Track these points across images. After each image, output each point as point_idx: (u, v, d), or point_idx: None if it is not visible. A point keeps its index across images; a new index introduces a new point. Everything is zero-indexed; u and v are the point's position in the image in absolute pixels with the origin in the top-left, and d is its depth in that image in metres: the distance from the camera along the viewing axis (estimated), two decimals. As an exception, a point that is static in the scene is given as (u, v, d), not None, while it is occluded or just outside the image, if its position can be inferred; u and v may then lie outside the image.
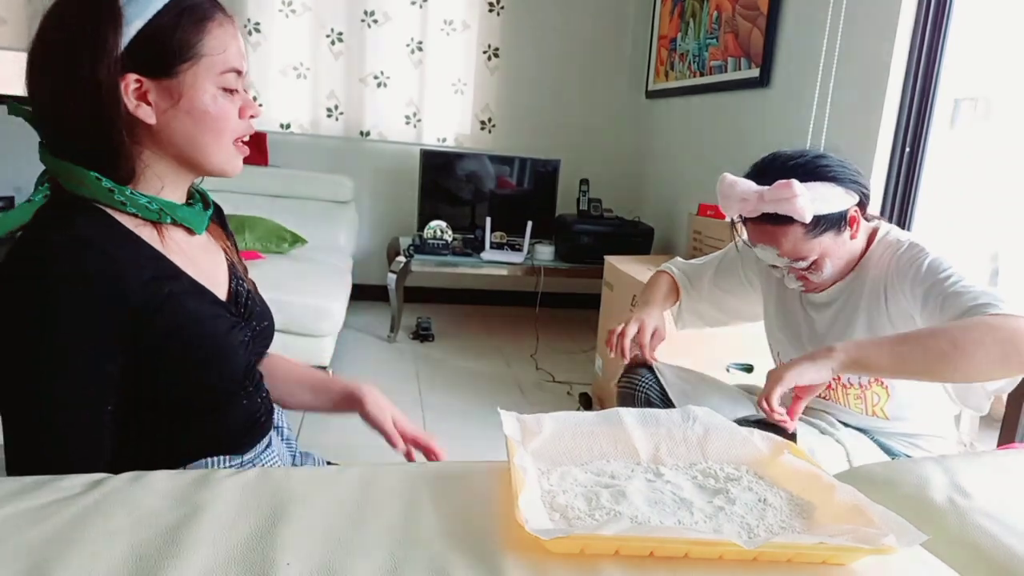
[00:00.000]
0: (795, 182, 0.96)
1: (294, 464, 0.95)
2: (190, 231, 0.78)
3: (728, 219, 1.12)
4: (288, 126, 3.48)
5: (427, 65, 3.52)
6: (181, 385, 0.73)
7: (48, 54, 0.68)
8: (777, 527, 0.60)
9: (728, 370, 1.91)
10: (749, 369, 1.91)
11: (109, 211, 0.70)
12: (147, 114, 0.70)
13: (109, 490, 0.59)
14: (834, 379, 1.08)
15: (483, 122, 3.65)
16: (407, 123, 3.57)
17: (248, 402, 0.82)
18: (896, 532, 0.54)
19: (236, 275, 0.85)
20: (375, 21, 3.44)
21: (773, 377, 0.92)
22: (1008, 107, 1.83)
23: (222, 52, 0.72)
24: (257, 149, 3.28)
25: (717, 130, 2.90)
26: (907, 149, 1.87)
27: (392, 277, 3.06)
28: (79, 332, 0.65)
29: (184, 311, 0.72)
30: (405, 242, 3.25)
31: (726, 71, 2.76)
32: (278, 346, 2.51)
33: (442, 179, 3.42)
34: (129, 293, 0.66)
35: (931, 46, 1.81)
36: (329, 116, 3.51)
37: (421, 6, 3.46)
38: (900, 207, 1.90)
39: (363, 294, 3.48)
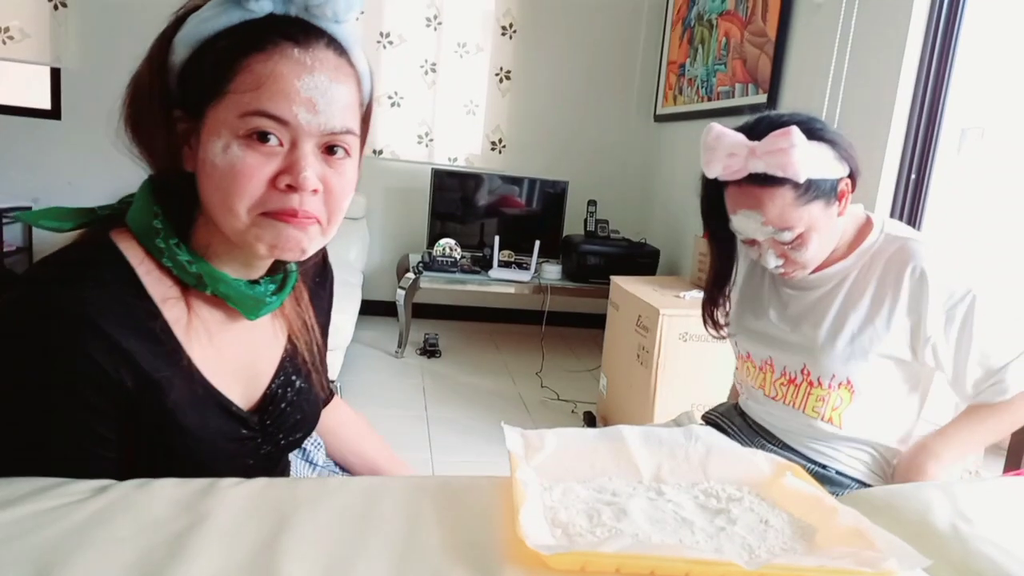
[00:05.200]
0: (795, 129, 0.89)
1: None
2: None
3: (701, 189, 1.06)
4: (301, 143, 3.52)
5: (440, 86, 3.57)
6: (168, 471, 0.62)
7: (133, 84, 0.62)
8: (778, 549, 0.60)
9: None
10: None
11: (143, 267, 0.61)
12: (188, 159, 0.60)
13: (115, 496, 0.59)
14: (802, 374, 1.05)
15: (494, 143, 3.69)
16: (419, 142, 3.61)
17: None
18: (898, 556, 0.54)
19: (288, 371, 0.72)
20: (390, 42, 3.50)
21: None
22: (1015, 137, 1.84)
23: (252, 89, 0.56)
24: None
25: (726, 154, 2.91)
26: (913, 176, 1.88)
27: (401, 293, 3.08)
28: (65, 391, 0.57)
29: (180, 426, 0.61)
30: (415, 259, 3.28)
31: (734, 96, 2.79)
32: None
33: (452, 198, 3.44)
34: (121, 378, 0.57)
35: (938, 74, 1.82)
36: (342, 134, 3.56)
37: (436, 29, 3.52)
38: (908, 233, 1.90)
39: (372, 309, 3.50)
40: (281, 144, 0.58)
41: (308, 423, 0.76)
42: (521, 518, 0.55)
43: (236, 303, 0.64)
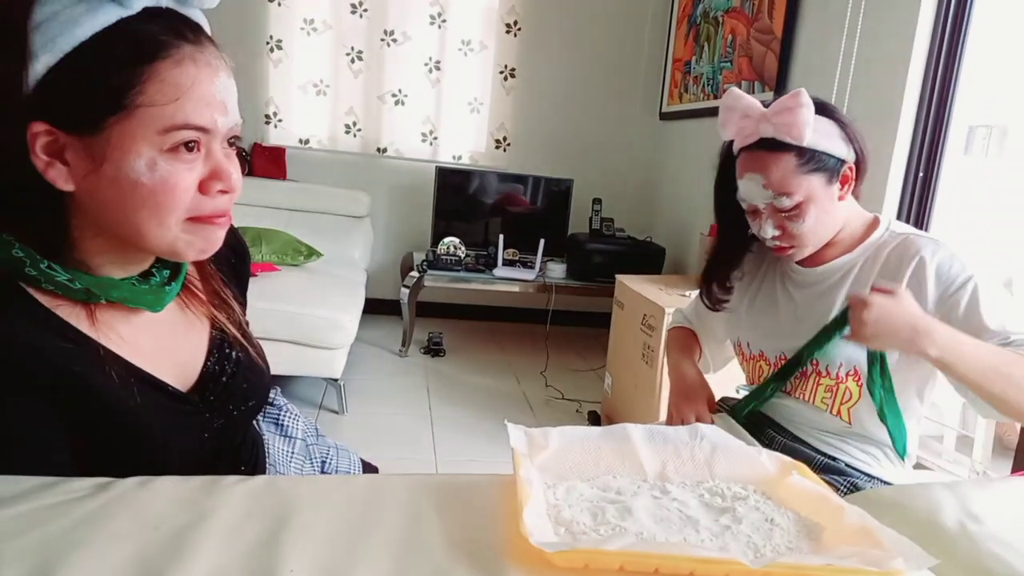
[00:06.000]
0: (804, 91, 0.94)
1: (324, 463, 0.93)
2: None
3: (719, 155, 1.09)
4: (307, 141, 3.53)
5: (444, 84, 3.56)
6: (120, 471, 0.60)
7: None
8: (784, 548, 0.59)
9: (737, 391, 1.90)
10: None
11: (20, 284, 0.57)
12: (60, 177, 0.54)
13: (116, 494, 0.59)
14: (811, 365, 1.05)
15: (498, 141, 3.69)
16: (423, 140, 3.61)
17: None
18: (905, 556, 0.53)
19: (221, 349, 0.71)
20: (394, 40, 3.50)
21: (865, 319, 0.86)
22: (1023, 135, 1.83)
23: (171, 101, 0.54)
24: (275, 164, 3.33)
25: (731, 152, 2.90)
26: (921, 174, 1.87)
27: (405, 292, 3.08)
28: None
29: (113, 407, 0.59)
30: (419, 257, 3.28)
31: (741, 94, 2.77)
32: (293, 358, 2.51)
33: (456, 196, 3.44)
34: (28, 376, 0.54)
35: (945, 72, 1.81)
36: (347, 132, 3.56)
37: (440, 26, 3.51)
38: (915, 231, 1.89)
39: (376, 308, 3.50)
40: (200, 150, 0.58)
41: (258, 391, 0.76)
42: (525, 516, 0.55)
43: (135, 303, 0.62)
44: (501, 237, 3.24)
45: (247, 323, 0.80)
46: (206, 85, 0.57)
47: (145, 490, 0.60)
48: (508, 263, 3.24)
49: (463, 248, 3.21)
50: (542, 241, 3.21)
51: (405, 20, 3.48)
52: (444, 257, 3.16)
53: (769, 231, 1.02)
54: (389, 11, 3.46)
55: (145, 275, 0.65)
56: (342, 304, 2.44)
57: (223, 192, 0.60)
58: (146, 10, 0.55)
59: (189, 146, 0.57)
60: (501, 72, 3.62)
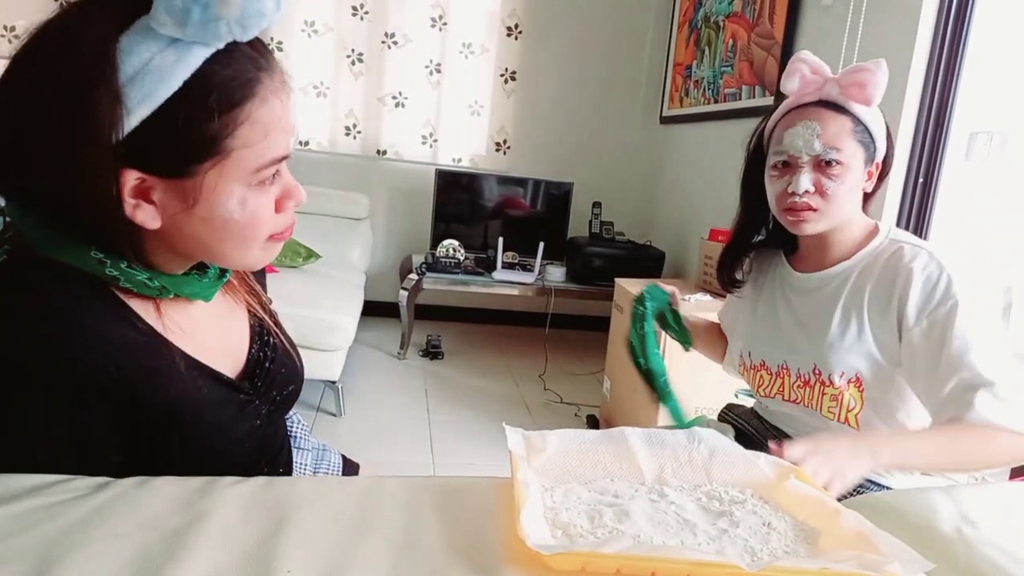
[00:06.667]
0: (884, 63, 0.97)
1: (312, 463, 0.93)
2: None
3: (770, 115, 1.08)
4: (307, 143, 3.53)
5: (445, 87, 3.57)
6: (178, 465, 0.62)
7: (27, 112, 0.52)
8: (781, 551, 0.59)
9: (736, 396, 1.90)
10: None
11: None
12: (148, 217, 0.56)
13: (115, 493, 0.59)
14: (814, 374, 1.05)
15: (498, 144, 3.69)
16: (423, 143, 3.62)
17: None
18: (901, 560, 0.54)
19: (261, 336, 0.75)
20: (395, 43, 3.50)
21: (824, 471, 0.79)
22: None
23: (262, 140, 0.55)
24: (275, 165, 3.33)
25: (730, 157, 2.91)
26: (920, 180, 1.87)
27: (404, 294, 3.08)
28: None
29: (179, 400, 0.61)
30: (418, 260, 3.28)
31: (740, 99, 2.78)
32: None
33: (456, 199, 3.45)
34: (108, 376, 0.56)
35: (946, 78, 1.82)
36: (347, 134, 3.56)
37: (441, 29, 3.52)
38: (914, 237, 1.89)
39: (375, 310, 3.50)
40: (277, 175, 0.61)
41: (295, 375, 0.78)
42: (522, 518, 0.55)
43: (196, 296, 0.65)
44: (500, 240, 3.24)
45: (275, 312, 0.82)
46: (284, 114, 0.58)
47: (144, 490, 0.60)
48: (507, 266, 3.25)
49: (462, 251, 3.22)
50: (541, 244, 3.21)
51: (406, 22, 3.49)
52: (443, 260, 3.16)
53: (804, 183, 1.00)
54: (390, 13, 3.47)
55: (199, 267, 0.68)
56: (341, 306, 2.44)
57: (295, 206, 0.63)
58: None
59: (273, 177, 0.60)
60: (502, 75, 3.63)
